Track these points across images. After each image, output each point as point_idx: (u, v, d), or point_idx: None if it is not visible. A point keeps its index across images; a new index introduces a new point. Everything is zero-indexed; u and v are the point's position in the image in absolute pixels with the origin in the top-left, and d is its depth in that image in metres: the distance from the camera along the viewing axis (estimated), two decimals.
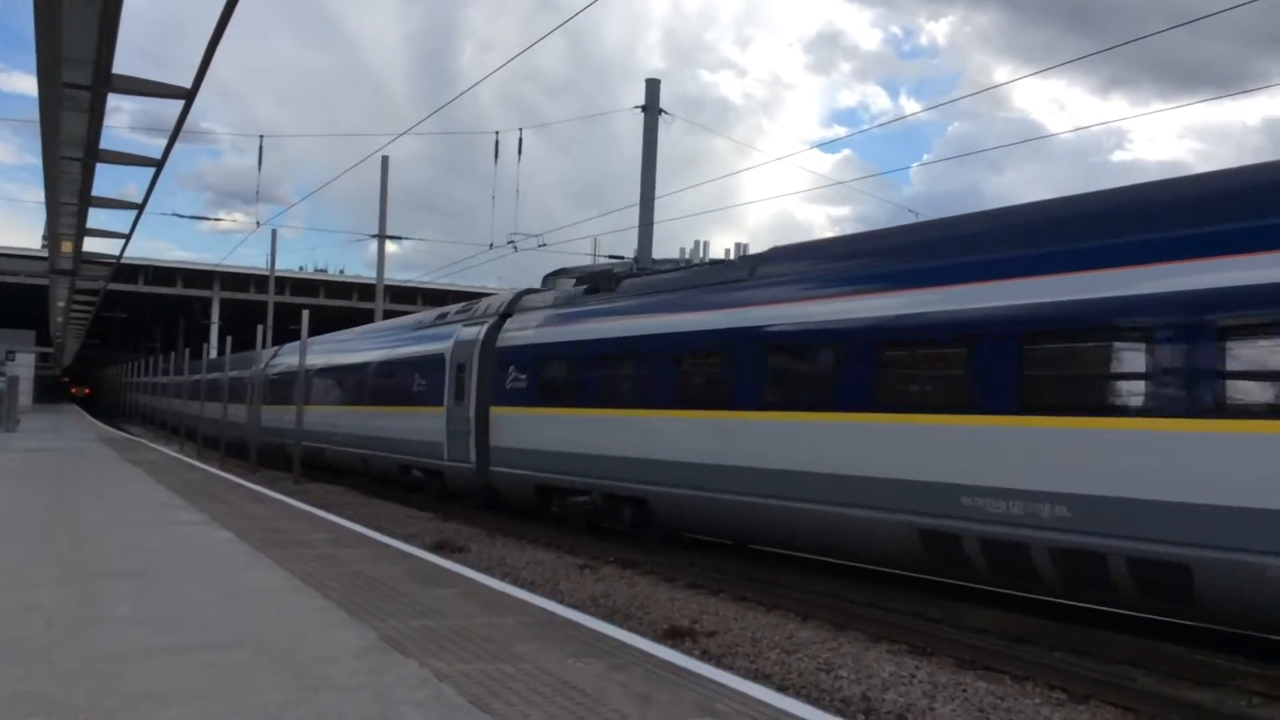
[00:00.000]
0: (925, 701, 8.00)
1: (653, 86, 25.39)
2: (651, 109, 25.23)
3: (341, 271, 76.52)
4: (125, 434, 44.63)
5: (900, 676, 8.71)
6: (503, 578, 11.36)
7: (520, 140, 32.54)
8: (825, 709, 7.59)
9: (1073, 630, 10.13)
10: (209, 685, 5.21)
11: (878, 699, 8.10)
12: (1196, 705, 7.94)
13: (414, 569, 9.51)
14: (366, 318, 41.20)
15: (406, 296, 60.72)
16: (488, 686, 5.33)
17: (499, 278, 73.09)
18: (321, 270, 75.70)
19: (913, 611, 11.10)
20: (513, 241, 31.61)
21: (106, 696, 4.94)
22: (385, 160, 37.70)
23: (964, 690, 8.33)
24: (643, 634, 9.25)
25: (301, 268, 74.52)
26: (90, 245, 24.39)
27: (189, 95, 11.65)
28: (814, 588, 12.35)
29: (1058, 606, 10.74)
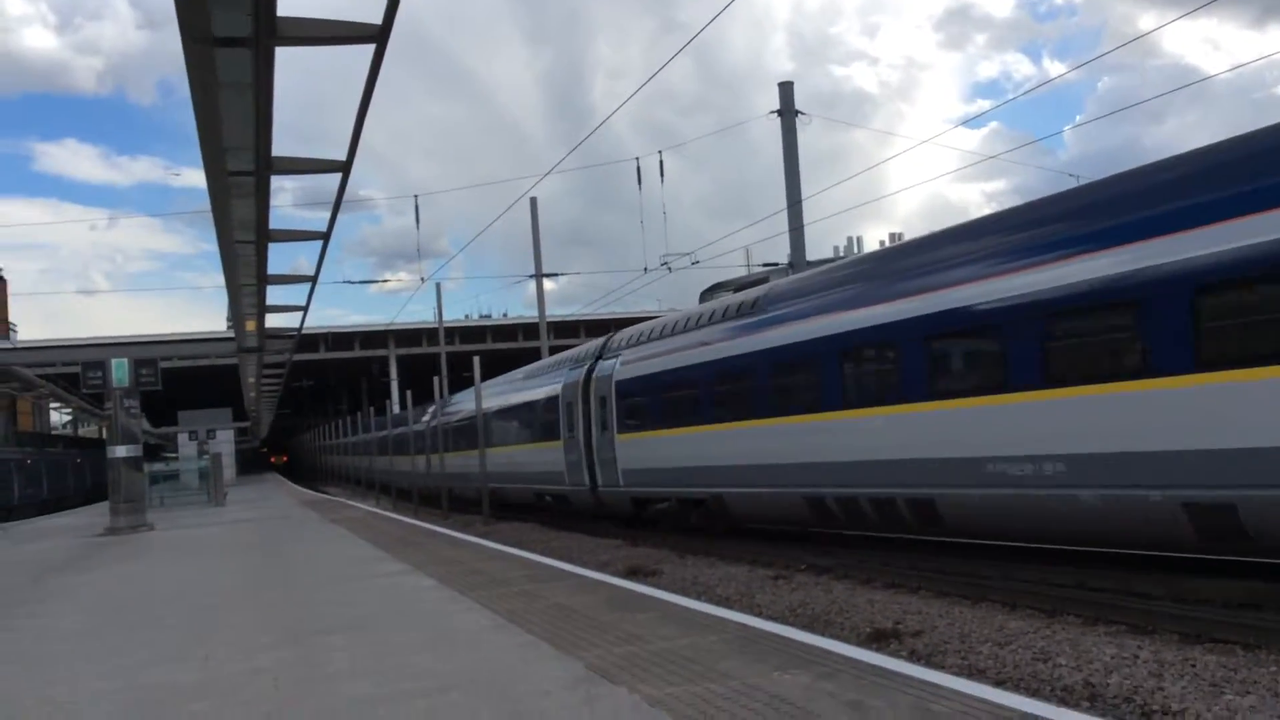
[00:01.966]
0: (1152, 682, 7.64)
1: (786, 89, 25.28)
2: (787, 112, 25.12)
3: (505, 314, 78.56)
4: (323, 495, 46.68)
5: (1122, 658, 8.35)
6: (698, 597, 11.40)
7: (661, 163, 32.85)
8: (1046, 700, 7.36)
9: None
10: None
11: (1101, 684, 7.78)
12: None
13: (610, 597, 9.63)
14: (533, 356, 42.08)
15: (569, 331, 61.73)
16: (698, 707, 5.35)
17: (657, 300, 73.76)
18: (486, 316, 77.84)
19: (1126, 590, 10.64)
20: (666, 263, 31.90)
21: None
22: (534, 201, 38.56)
23: (1193, 666, 7.94)
24: (846, 640, 9.13)
25: (467, 315, 76.83)
26: (272, 321, 25.58)
27: (345, 167, 12.18)
28: (1018, 576, 11.97)
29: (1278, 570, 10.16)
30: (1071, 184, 16.70)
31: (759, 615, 9.98)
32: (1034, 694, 7.50)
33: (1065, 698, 7.45)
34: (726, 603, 11.50)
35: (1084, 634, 9.32)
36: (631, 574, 13.75)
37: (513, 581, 11.18)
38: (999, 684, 7.76)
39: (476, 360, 29.02)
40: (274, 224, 15.18)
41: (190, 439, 53.35)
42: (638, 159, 32.57)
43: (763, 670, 6.08)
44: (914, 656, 8.81)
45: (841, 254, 33.68)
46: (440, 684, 6.44)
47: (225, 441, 55.34)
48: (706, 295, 21.64)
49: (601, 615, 8.55)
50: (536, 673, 6.55)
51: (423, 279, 66.96)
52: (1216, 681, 7.52)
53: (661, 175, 32.81)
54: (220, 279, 19.75)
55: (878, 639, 9.60)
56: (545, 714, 5.49)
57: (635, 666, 6.43)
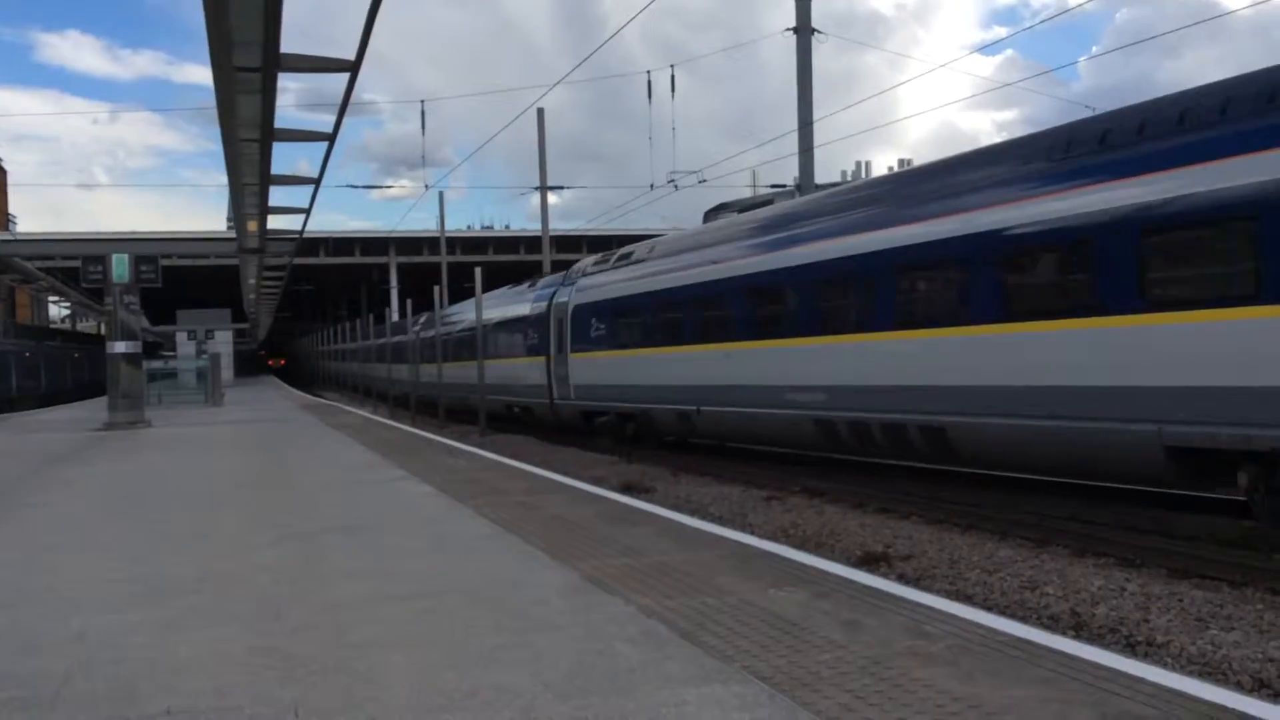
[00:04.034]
0: (1139, 614, 7.76)
1: (802, 5, 24.75)
2: (803, 30, 24.66)
3: (507, 226, 78.23)
4: (321, 400, 46.88)
5: (1110, 590, 8.47)
6: (691, 514, 11.50)
7: (673, 78, 32.37)
8: (1033, 627, 7.47)
9: None
10: (429, 631, 5.46)
11: (1087, 614, 7.90)
12: None
13: (607, 510, 9.72)
14: (534, 269, 41.95)
15: (571, 246, 61.46)
16: (694, 620, 5.42)
17: (661, 218, 73.34)
18: (488, 227, 77.47)
19: (1118, 523, 10.75)
20: (673, 180, 31.64)
21: (335, 647, 5.23)
22: (541, 113, 38.10)
23: (1179, 600, 8.05)
24: (837, 561, 9.25)
25: (469, 226, 76.40)
26: (273, 223, 25.49)
27: (354, 67, 12.00)
28: (1011, 505, 12.07)
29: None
30: (1085, 114, 16.51)
31: (753, 533, 10.09)
32: (1021, 621, 7.61)
33: (1051, 626, 7.56)
34: (720, 521, 11.61)
35: (1072, 565, 9.44)
36: (626, 489, 13.86)
37: (510, 492, 11.28)
38: (986, 609, 7.86)
39: (478, 271, 28.94)
40: (278, 124, 15.02)
41: (189, 338, 53.34)
42: (649, 73, 32.14)
43: (759, 587, 6.15)
44: (904, 580, 8.91)
45: (849, 178, 33.35)
46: (437, 587, 6.53)
47: (224, 343, 55.34)
48: (710, 215, 21.80)
49: (598, 528, 8.63)
50: (534, 581, 6.63)
51: (426, 187, 66.72)
52: (1202, 616, 7.63)
53: (673, 90, 32.36)
54: (222, 178, 19.69)
55: (868, 562, 9.71)
56: (543, 621, 5.56)
57: (631, 578, 6.51)
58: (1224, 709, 3.88)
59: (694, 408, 17.83)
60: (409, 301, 40.53)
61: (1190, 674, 6.32)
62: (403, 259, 69.50)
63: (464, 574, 6.97)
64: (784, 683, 4.35)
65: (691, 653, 4.85)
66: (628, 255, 21.79)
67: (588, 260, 24.50)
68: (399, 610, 5.95)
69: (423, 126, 34.48)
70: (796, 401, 15.00)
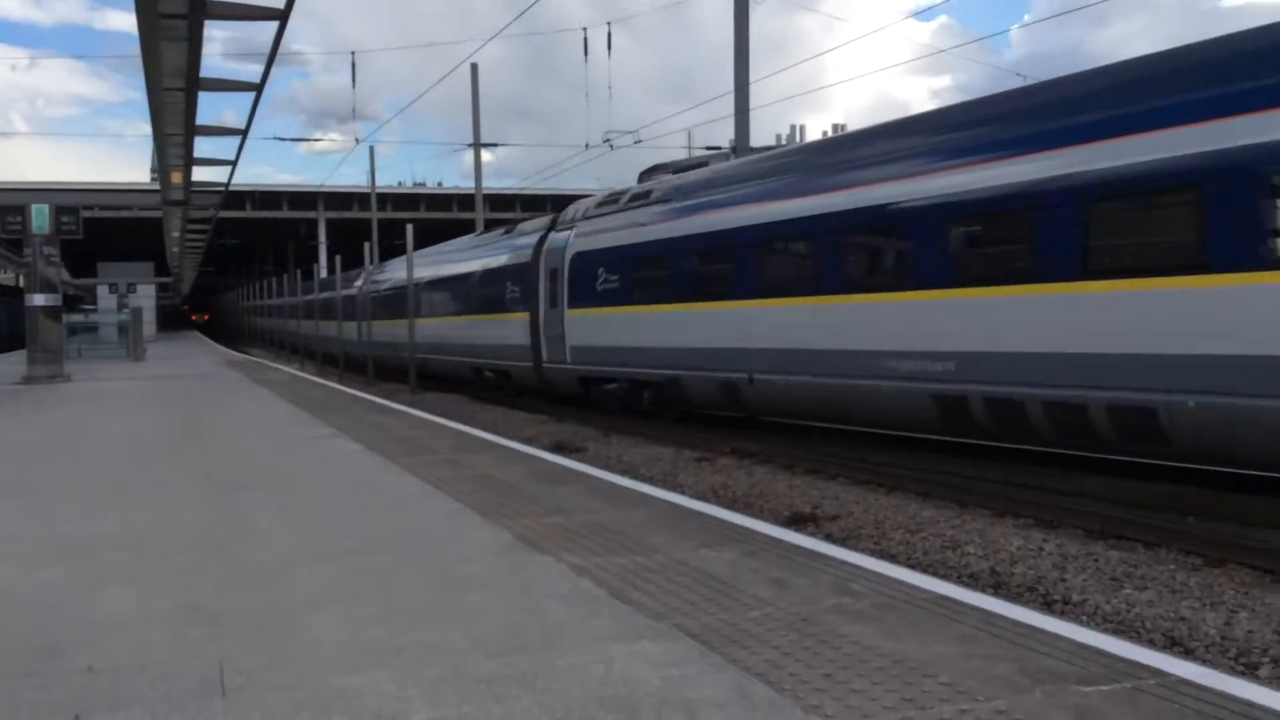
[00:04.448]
0: (1056, 573, 7.97)
1: None
2: None
3: (440, 184, 77.27)
4: (247, 356, 46.15)
5: (1028, 550, 8.68)
6: (622, 474, 11.54)
7: (609, 35, 32.15)
8: (956, 584, 7.64)
9: (1207, 495, 9.95)
10: (357, 590, 5.42)
11: (1006, 573, 8.10)
12: None
13: (537, 470, 9.71)
14: (468, 228, 41.54)
15: (505, 204, 61.00)
16: (625, 579, 5.45)
17: (596, 178, 72.95)
18: (420, 184, 76.49)
19: (1038, 485, 10.99)
20: (608, 140, 31.46)
21: (261, 604, 5.18)
22: (474, 68, 37.61)
23: (1095, 560, 8.27)
24: (766, 521, 9.36)
25: (401, 183, 75.38)
26: (198, 174, 24.95)
27: (283, 16, 11.73)
28: (936, 467, 12.29)
29: (1190, 473, 10.54)
30: (1017, 83, 16.66)
31: (684, 494, 10.16)
32: (943, 579, 7.77)
33: (971, 584, 7.72)
34: (651, 481, 11.66)
35: (993, 525, 9.65)
36: (557, 449, 13.86)
37: (440, 450, 11.22)
38: (910, 568, 8.02)
39: (410, 228, 28.53)
40: (204, 74, 14.65)
41: (110, 292, 52.10)
42: (585, 30, 31.89)
43: (689, 546, 6.20)
44: (830, 539, 9.04)
45: (784, 142, 33.40)
46: (365, 545, 6.48)
47: (146, 297, 54.18)
48: (645, 176, 21.02)
49: (529, 487, 8.63)
50: (464, 539, 6.61)
51: (356, 141, 65.56)
52: (1117, 576, 7.85)
53: (609, 48, 32.15)
54: (146, 128, 19.29)
55: (796, 522, 9.85)
56: (472, 579, 5.56)
57: (562, 537, 6.52)
58: (1139, 665, 4.00)
59: (744, 375, 14.84)
60: (338, 258, 39.95)
61: (1106, 631, 6.53)
62: (332, 214, 68.41)
63: (393, 532, 6.93)
64: (713, 639, 4.40)
65: (621, 610, 4.88)
66: (645, 194, 18.48)
67: (587, 201, 21.20)
68: (326, 568, 5.90)
69: (353, 79, 34.10)
70: (907, 372, 12.09)
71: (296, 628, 4.76)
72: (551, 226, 21.64)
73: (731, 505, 10.48)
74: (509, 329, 22.53)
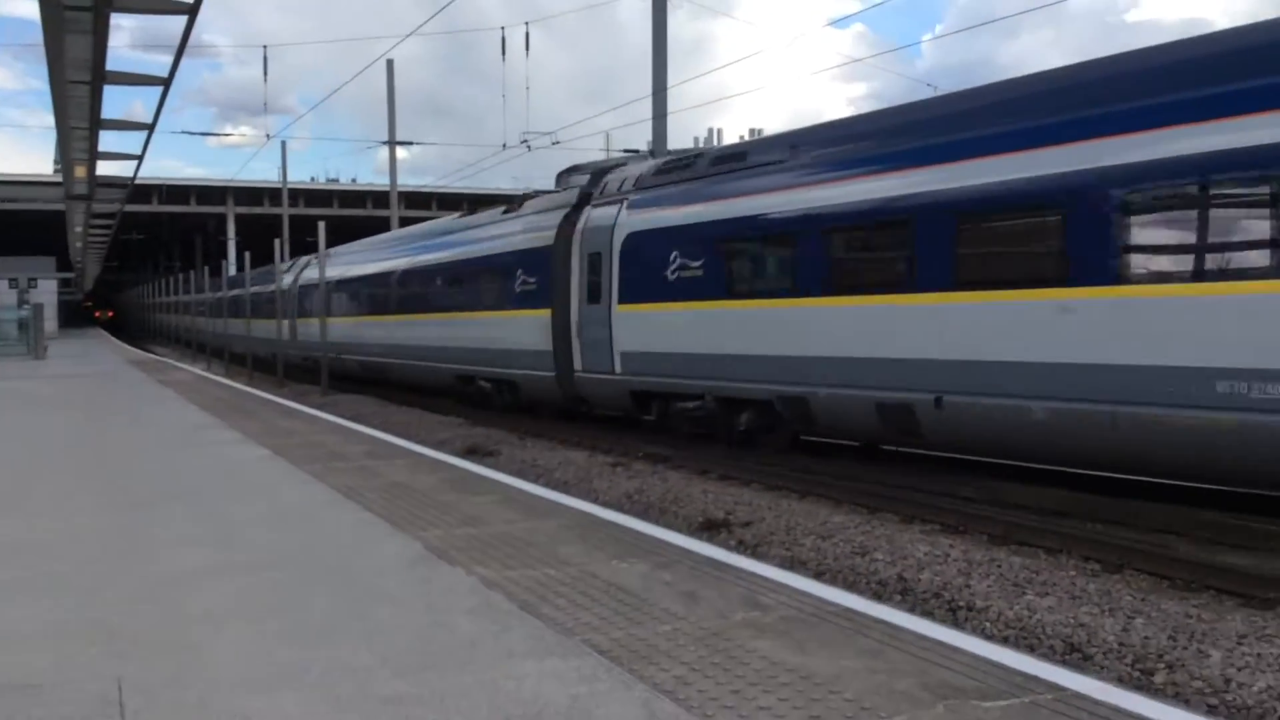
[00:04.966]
0: (961, 579, 8.11)
1: None
2: None
3: (353, 180, 76.17)
4: (151, 355, 45.04)
5: (935, 555, 8.82)
6: (536, 479, 11.51)
7: (527, 35, 32.04)
8: (862, 592, 7.75)
9: (1109, 502, 10.22)
10: (263, 604, 5.33)
11: (913, 579, 8.22)
12: (1232, 569, 8.04)
13: (450, 477, 9.64)
14: (382, 226, 41.08)
15: (420, 202, 60.36)
16: (536, 592, 5.44)
17: (513, 178, 72.64)
18: (334, 180, 75.28)
19: (946, 491, 11.20)
20: (526, 141, 31.32)
21: (165, 620, 5.07)
22: (390, 64, 37.22)
23: (998, 566, 8.43)
24: (679, 528, 9.40)
25: (313, 178, 74.05)
26: (103, 168, 24.36)
27: (192, 10, 11.47)
28: (846, 473, 12.45)
29: (1095, 480, 10.82)
30: (928, 93, 17.02)
31: (597, 501, 10.16)
32: (850, 586, 7.89)
33: (880, 591, 7.85)
34: (565, 487, 11.65)
35: (901, 531, 9.81)
36: (470, 453, 13.78)
37: (351, 457, 11.07)
38: (818, 575, 8.13)
39: (321, 225, 28.12)
40: (110, 65, 14.28)
41: (10, 287, 50.51)
42: (503, 29, 31.73)
43: (601, 558, 6.21)
44: (742, 546, 9.14)
45: (702, 144, 33.55)
46: (273, 558, 6.38)
47: (47, 292, 52.63)
48: (564, 177, 20.79)
49: (441, 495, 8.56)
50: (373, 551, 6.54)
51: (268, 136, 64.28)
52: (1019, 582, 8.02)
53: (527, 48, 32.02)
54: (49, 120, 18.55)
55: (709, 528, 9.91)
56: (382, 593, 5.50)
57: (474, 549, 6.48)
58: (1036, 679, 4.10)
59: (925, 395, 10.84)
60: (247, 254, 39.19)
61: (1008, 637, 6.69)
62: (241, 209, 67.09)
63: (301, 543, 6.82)
64: (623, 656, 4.41)
65: (532, 626, 4.87)
66: (741, 155, 14.47)
67: (634, 168, 17.11)
68: (232, 581, 5.79)
69: (265, 73, 33.30)
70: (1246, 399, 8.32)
71: (199, 645, 4.66)
72: (581, 201, 17.15)
73: (645, 511, 10.52)
74: (517, 329, 18.08)
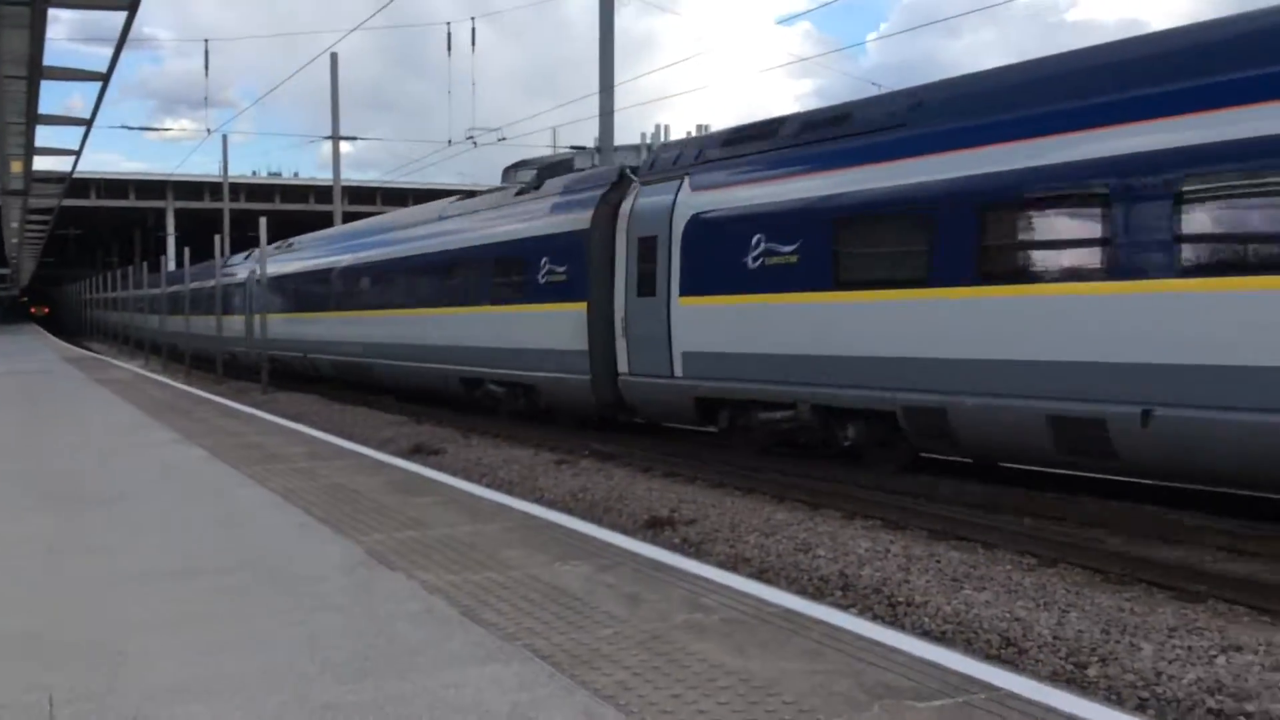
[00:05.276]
0: (900, 575, 8.21)
1: None
2: None
3: (296, 175, 75.28)
4: (88, 352, 44.23)
5: (876, 551, 8.92)
6: (480, 478, 11.49)
7: (474, 31, 31.88)
8: (804, 588, 7.83)
9: (1045, 497, 10.40)
10: (201, 611, 5.27)
11: (855, 575, 8.31)
12: (1162, 563, 8.22)
13: (394, 479, 9.58)
14: (325, 221, 40.65)
15: (365, 197, 59.83)
16: (478, 597, 5.43)
17: (459, 174, 72.20)
18: (276, 174, 74.40)
19: (886, 488, 11.32)
20: (471, 137, 31.16)
21: (97, 628, 4.99)
22: (334, 58, 36.81)
23: (937, 561, 8.55)
24: (623, 526, 9.44)
25: (255, 173, 73.17)
26: (40, 163, 23.95)
27: (132, 5, 11.26)
28: (790, 470, 12.53)
29: (1030, 475, 11.01)
30: (873, 91, 16.97)
31: (541, 500, 10.17)
32: (792, 582, 7.97)
33: (821, 588, 7.93)
34: (510, 486, 11.64)
35: (843, 528, 9.91)
36: (415, 452, 13.71)
37: (291, 458, 10.96)
38: (762, 572, 8.20)
39: (263, 221, 27.77)
40: (48, 60, 14.01)
41: None
42: (449, 24, 31.55)
43: (544, 560, 6.20)
44: (686, 543, 9.19)
45: (649, 141, 33.59)
46: (212, 563, 6.30)
47: None
48: (509, 173, 20.54)
49: (383, 498, 8.50)
50: (314, 555, 6.48)
51: (209, 130, 63.60)
52: (957, 576, 8.14)
53: (473, 43, 31.83)
54: None
55: (654, 525, 9.94)
56: (322, 599, 5.46)
57: (416, 553, 6.45)
58: (971, 679, 4.17)
59: (1127, 409, 8.80)
60: (186, 250, 38.60)
61: (946, 632, 6.78)
62: (181, 204, 66.06)
63: (239, 548, 6.75)
64: (565, 661, 4.42)
65: (474, 631, 4.86)
66: (840, 118, 12.23)
67: (694, 140, 15.85)
68: (168, 588, 5.72)
69: (206, 66, 32.80)
70: None
71: (133, 654, 4.60)
72: (622, 179, 15.32)
73: (590, 510, 10.54)
74: (540, 326, 16.01)
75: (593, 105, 25.17)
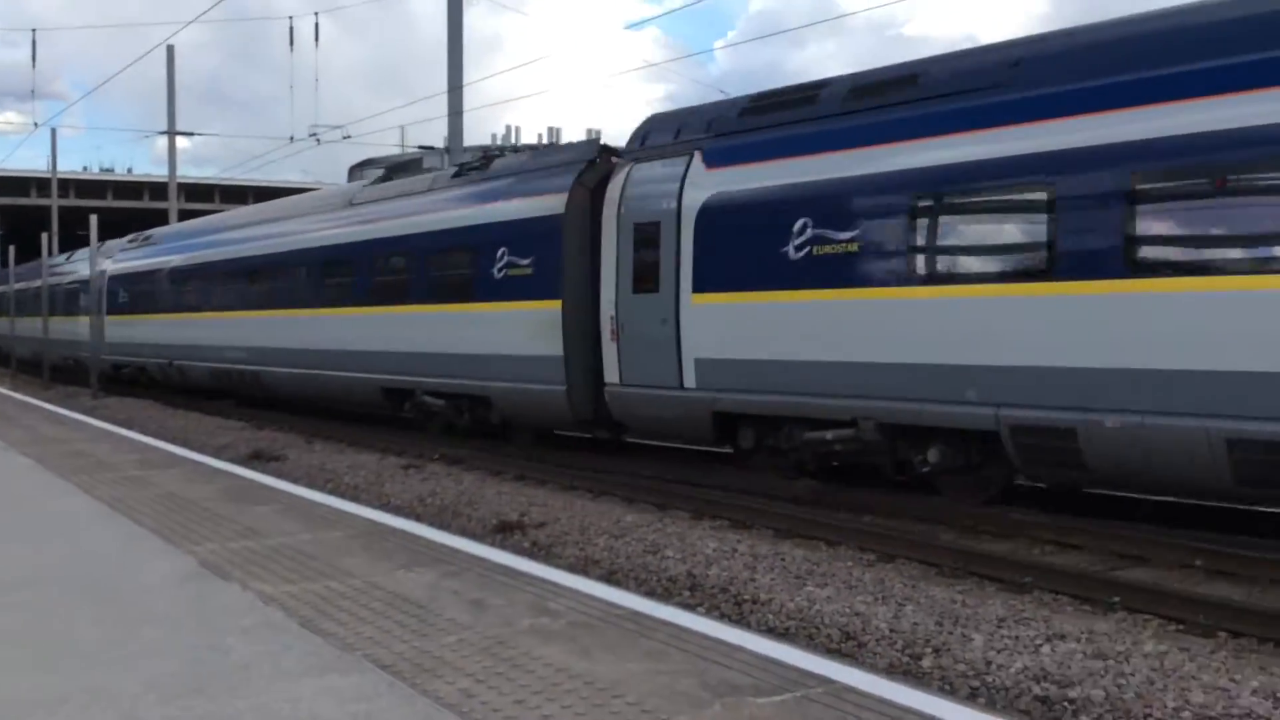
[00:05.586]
0: (747, 574, 8.33)
1: None
2: None
3: (129, 170, 72.25)
4: None
5: (723, 551, 9.03)
6: (324, 485, 11.22)
7: (317, 26, 31.15)
8: (653, 589, 7.89)
9: (886, 496, 10.70)
10: (21, 628, 5.00)
11: (702, 575, 8.40)
12: (993, 556, 8.55)
13: (230, 486, 9.27)
14: (160, 219, 39.08)
15: (202, 194, 57.77)
16: (317, 607, 5.29)
17: (303, 171, 70.38)
18: (108, 170, 71.22)
19: (735, 487, 11.49)
20: (315, 134, 30.37)
21: None
22: (171, 50, 35.48)
23: (782, 559, 8.70)
24: (472, 531, 9.34)
25: (86, 168, 69.89)
26: None
27: None
28: (641, 473, 12.59)
29: (877, 474, 11.30)
30: (718, 97, 16.96)
31: (387, 506, 9.99)
32: (641, 584, 8.01)
33: (670, 588, 7.99)
34: (354, 491, 11.40)
35: (691, 528, 10.01)
36: (254, 458, 13.29)
37: (121, 466, 10.50)
38: (611, 574, 8.22)
39: (94, 219, 26.53)
40: None
41: None
42: (291, 19, 30.73)
43: (387, 568, 6.09)
44: (535, 547, 9.15)
45: (499, 141, 33.31)
46: (33, 576, 5.99)
47: None
48: (355, 171, 19.93)
49: (219, 506, 8.22)
50: (144, 567, 6.22)
51: (36, 124, 60.60)
52: (801, 574, 8.31)
53: (316, 39, 31.07)
54: None
55: (503, 530, 9.86)
56: (150, 613, 5.23)
57: (252, 563, 6.25)
58: (809, 674, 4.26)
59: None
60: (10, 248, 36.60)
61: (789, 628, 6.92)
62: (6, 200, 62.62)
63: (65, 560, 6.42)
64: (406, 669, 4.33)
65: (311, 642, 4.73)
66: (903, 81, 10.34)
67: (701, 109, 12.63)
68: None
69: (34, 56, 31.20)
70: None
71: None
72: (602, 155, 13.46)
73: (438, 515, 10.40)
74: (505, 328, 13.71)
75: (441, 104, 24.87)
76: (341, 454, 15.03)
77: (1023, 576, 7.87)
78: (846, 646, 6.54)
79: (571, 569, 7.26)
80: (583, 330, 12.71)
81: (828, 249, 10.09)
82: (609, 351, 12.28)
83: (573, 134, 21.30)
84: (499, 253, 13.79)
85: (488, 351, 13.94)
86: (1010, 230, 9.19)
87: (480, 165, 15.63)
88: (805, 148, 10.65)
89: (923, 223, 9.51)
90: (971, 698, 5.53)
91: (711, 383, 11.15)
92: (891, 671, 5.75)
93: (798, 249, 10.32)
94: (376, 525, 7.48)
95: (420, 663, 4.42)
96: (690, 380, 11.34)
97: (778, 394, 10.55)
